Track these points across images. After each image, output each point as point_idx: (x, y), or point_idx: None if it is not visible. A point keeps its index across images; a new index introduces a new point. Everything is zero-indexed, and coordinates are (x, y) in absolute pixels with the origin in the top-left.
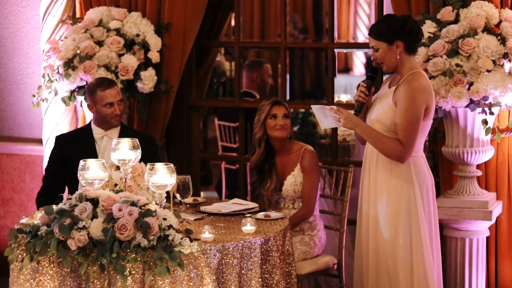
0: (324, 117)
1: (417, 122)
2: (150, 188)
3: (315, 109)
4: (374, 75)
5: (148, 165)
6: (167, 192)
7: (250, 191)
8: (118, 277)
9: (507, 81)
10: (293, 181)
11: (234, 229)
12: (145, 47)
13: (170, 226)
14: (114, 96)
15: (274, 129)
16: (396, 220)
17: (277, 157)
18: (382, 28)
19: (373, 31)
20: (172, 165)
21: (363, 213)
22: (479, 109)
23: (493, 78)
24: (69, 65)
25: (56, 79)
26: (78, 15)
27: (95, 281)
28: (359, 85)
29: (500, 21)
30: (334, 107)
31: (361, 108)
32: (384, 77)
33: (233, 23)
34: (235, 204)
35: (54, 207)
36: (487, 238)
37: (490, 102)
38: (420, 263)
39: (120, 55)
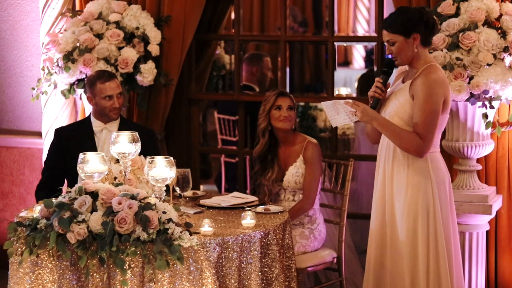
0: (336, 114)
1: (436, 115)
2: (150, 182)
3: (326, 105)
4: (390, 70)
5: (148, 158)
6: (167, 186)
7: (252, 181)
8: (117, 270)
9: (507, 75)
10: (294, 172)
11: (234, 222)
12: (145, 40)
13: (169, 220)
14: (113, 89)
15: (278, 120)
16: (414, 217)
17: (280, 148)
18: (398, 21)
19: (389, 24)
20: (171, 158)
21: (377, 210)
22: (479, 103)
23: (493, 72)
24: (68, 58)
25: (55, 72)
26: (77, 7)
27: (95, 274)
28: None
29: (501, 15)
30: (350, 100)
31: (376, 104)
32: (394, 71)
33: (232, 16)
34: (235, 198)
35: (54, 200)
36: (487, 232)
37: (491, 96)
38: (435, 260)
39: (119, 48)
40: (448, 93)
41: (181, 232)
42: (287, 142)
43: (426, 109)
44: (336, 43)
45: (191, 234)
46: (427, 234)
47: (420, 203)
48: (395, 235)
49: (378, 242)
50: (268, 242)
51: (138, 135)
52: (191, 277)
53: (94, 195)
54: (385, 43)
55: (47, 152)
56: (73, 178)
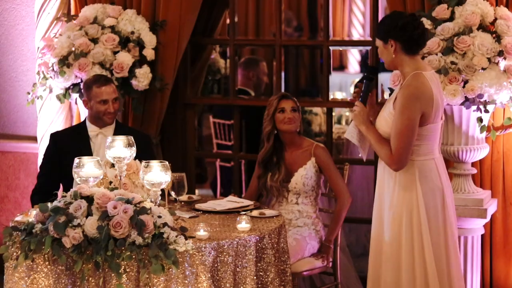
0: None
1: (408, 131)
2: (145, 186)
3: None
4: (371, 75)
5: (143, 163)
6: (162, 190)
7: (258, 185)
8: (113, 275)
9: (502, 78)
10: (304, 173)
11: (229, 226)
12: (140, 44)
13: (165, 224)
14: (109, 93)
15: (282, 123)
16: (399, 226)
17: (285, 152)
18: (379, 26)
19: (376, 29)
20: (167, 162)
21: (373, 214)
22: (474, 107)
23: (488, 76)
24: (64, 62)
25: (51, 77)
26: (73, 12)
27: (90, 279)
28: (356, 85)
29: (495, 19)
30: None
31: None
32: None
33: (228, 20)
34: (230, 202)
35: (49, 204)
36: (482, 236)
37: (485, 100)
38: (422, 269)
39: (115, 53)
40: (429, 104)
41: (176, 236)
42: (293, 145)
43: (398, 124)
44: (331, 48)
45: (186, 238)
46: (411, 244)
47: (404, 213)
48: (382, 243)
49: (375, 248)
50: (263, 246)
51: (133, 140)
52: (186, 281)
53: (89, 199)
54: None
55: (42, 156)
56: (69, 183)
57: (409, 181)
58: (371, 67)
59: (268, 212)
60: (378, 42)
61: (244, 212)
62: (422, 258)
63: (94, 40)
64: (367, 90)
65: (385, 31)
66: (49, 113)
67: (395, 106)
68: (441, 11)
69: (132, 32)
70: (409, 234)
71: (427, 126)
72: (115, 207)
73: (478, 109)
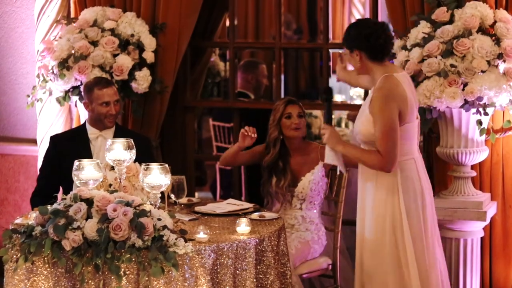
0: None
1: (391, 130)
2: (145, 189)
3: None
4: (329, 96)
5: (143, 165)
6: (162, 193)
7: (261, 190)
8: (112, 277)
9: (501, 81)
10: (312, 178)
11: (229, 229)
12: (140, 47)
13: (164, 227)
14: (111, 95)
15: (289, 129)
16: (382, 230)
17: (291, 157)
18: (344, 35)
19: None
20: (166, 165)
21: (358, 216)
22: (474, 110)
23: (487, 79)
24: (63, 65)
25: (50, 79)
26: (72, 15)
27: (90, 281)
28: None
29: (495, 22)
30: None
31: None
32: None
33: (227, 23)
34: (230, 205)
35: (49, 207)
36: (482, 238)
37: (485, 103)
38: (407, 274)
39: (114, 55)
40: (404, 103)
41: (176, 239)
42: (299, 151)
43: (381, 126)
44: (330, 50)
45: (186, 241)
46: (395, 246)
47: (387, 220)
48: (364, 248)
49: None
50: (263, 249)
51: (133, 142)
52: (186, 283)
53: (89, 202)
54: None
55: (42, 159)
56: (69, 185)
57: (391, 183)
58: (326, 88)
59: (267, 214)
60: (346, 51)
61: (243, 215)
62: (405, 258)
63: (94, 43)
64: (329, 110)
65: (350, 41)
66: (49, 115)
67: (371, 110)
68: (441, 13)
69: (132, 35)
70: (393, 237)
71: (404, 126)
72: (114, 210)
73: (478, 111)
